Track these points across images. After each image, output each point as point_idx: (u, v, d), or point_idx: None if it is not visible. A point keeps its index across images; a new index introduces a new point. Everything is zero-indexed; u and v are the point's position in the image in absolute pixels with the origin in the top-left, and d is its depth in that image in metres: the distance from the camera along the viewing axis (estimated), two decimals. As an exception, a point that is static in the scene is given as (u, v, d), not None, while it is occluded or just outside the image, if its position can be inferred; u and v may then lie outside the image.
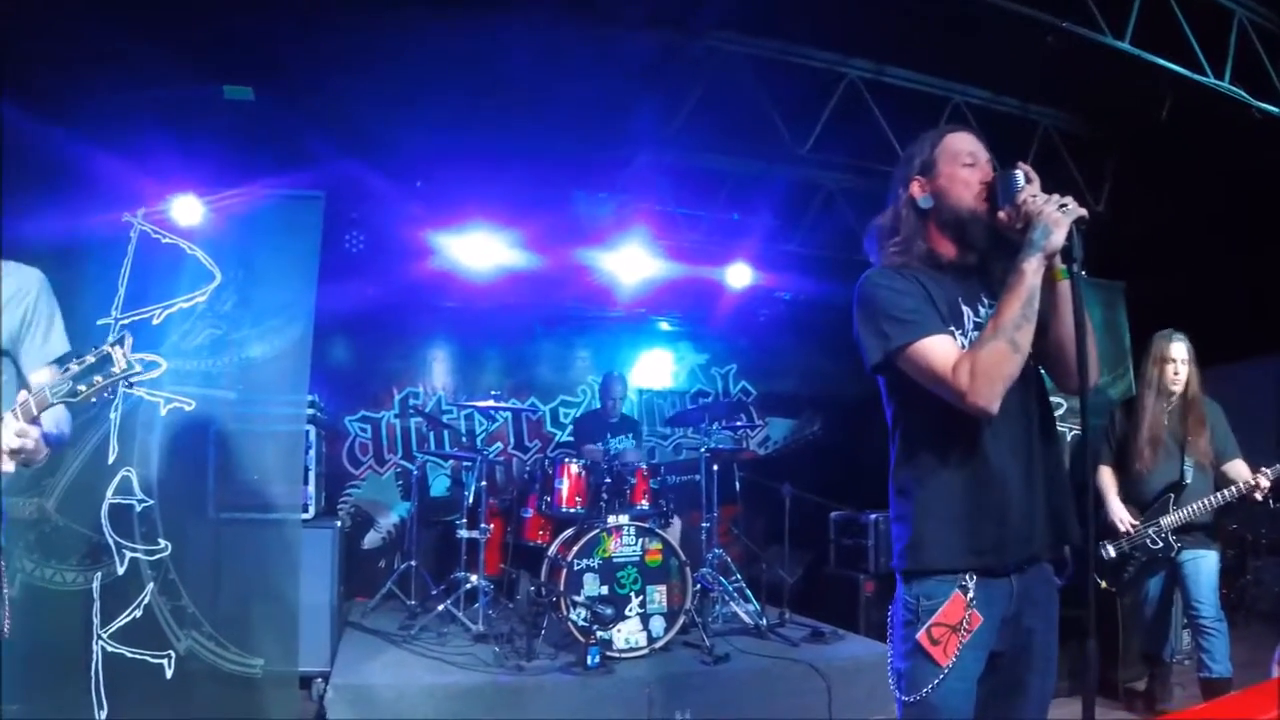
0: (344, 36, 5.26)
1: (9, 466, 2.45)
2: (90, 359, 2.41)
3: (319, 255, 4.93)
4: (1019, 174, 2.31)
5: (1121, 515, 4.97)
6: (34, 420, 2.45)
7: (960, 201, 2.40)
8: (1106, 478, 5.12)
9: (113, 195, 4.69)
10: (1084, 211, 2.22)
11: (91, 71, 4.83)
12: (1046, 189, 2.26)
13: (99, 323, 4.53)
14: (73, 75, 4.77)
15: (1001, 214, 2.31)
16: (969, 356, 2.21)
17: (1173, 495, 4.88)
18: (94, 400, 2.45)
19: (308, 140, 5.73)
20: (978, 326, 2.39)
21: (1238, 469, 4.86)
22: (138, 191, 4.72)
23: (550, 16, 5.33)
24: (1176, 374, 4.95)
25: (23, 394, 2.49)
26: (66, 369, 2.43)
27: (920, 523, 2.35)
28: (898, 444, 2.45)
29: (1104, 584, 5.04)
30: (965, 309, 2.41)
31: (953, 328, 2.35)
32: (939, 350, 2.26)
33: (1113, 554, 4.99)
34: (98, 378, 2.40)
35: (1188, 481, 4.88)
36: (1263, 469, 4.63)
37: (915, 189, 2.48)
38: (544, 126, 6.24)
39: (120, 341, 2.43)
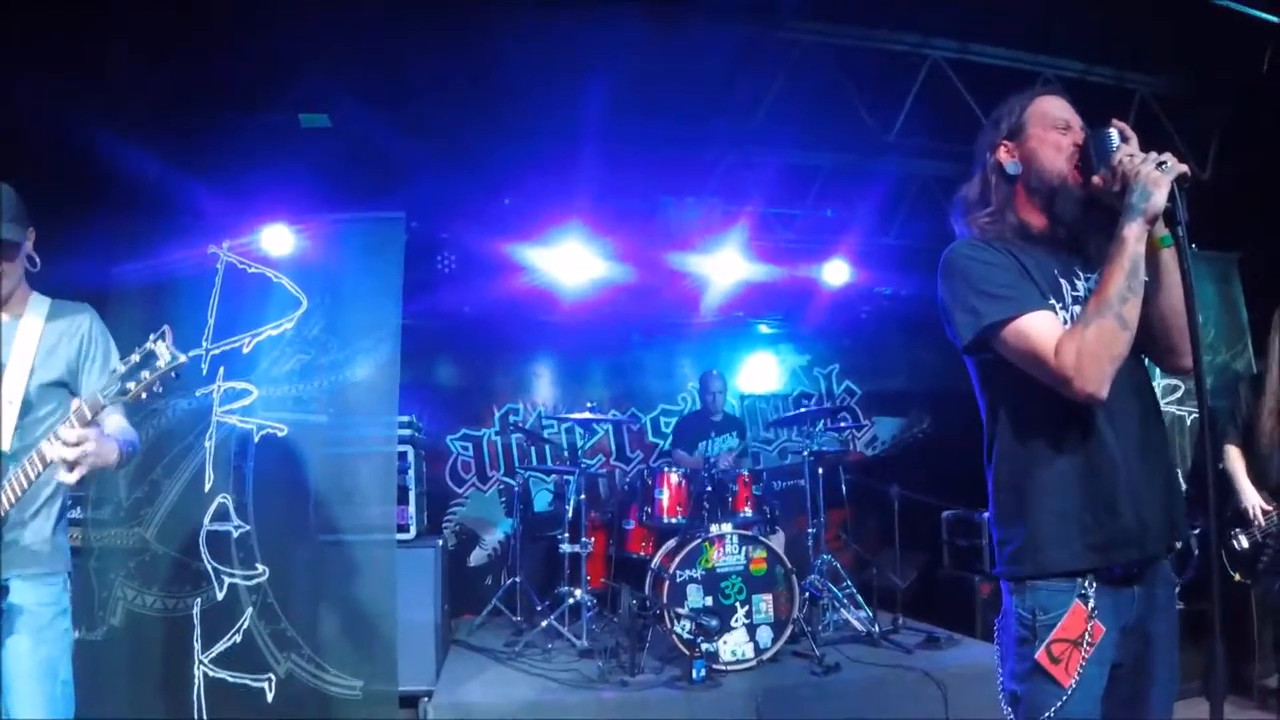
0: (421, 55, 5.27)
1: (71, 477, 2.52)
2: (135, 358, 2.48)
3: (402, 276, 4.94)
4: (1113, 132, 2.13)
5: (1254, 501, 4.64)
6: (90, 424, 2.53)
7: (1050, 166, 2.24)
8: (1235, 458, 4.79)
9: (198, 228, 4.82)
10: (1185, 168, 2.02)
11: (174, 106, 4.93)
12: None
13: (190, 353, 4.59)
14: (156, 110, 4.87)
15: (1096, 178, 2.12)
16: (1073, 336, 2.03)
17: None
18: (144, 397, 2.52)
19: (391, 163, 5.78)
20: (1077, 300, 2.21)
21: None
22: (222, 223, 4.84)
23: (626, 21, 5.27)
24: None
25: (75, 401, 2.57)
26: (113, 372, 2.50)
27: (1034, 520, 2.15)
28: (1000, 433, 2.25)
29: (1237, 576, 4.70)
30: (1063, 282, 2.23)
31: (1053, 301, 2.17)
32: (1039, 329, 2.08)
33: (1245, 544, 4.64)
34: (145, 373, 2.47)
35: None
36: None
37: (1002, 154, 2.32)
38: (626, 133, 6.17)
39: (162, 336, 2.48)
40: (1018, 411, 2.22)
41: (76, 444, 2.48)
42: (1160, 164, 2.02)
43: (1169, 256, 2.10)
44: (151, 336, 2.48)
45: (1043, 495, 2.15)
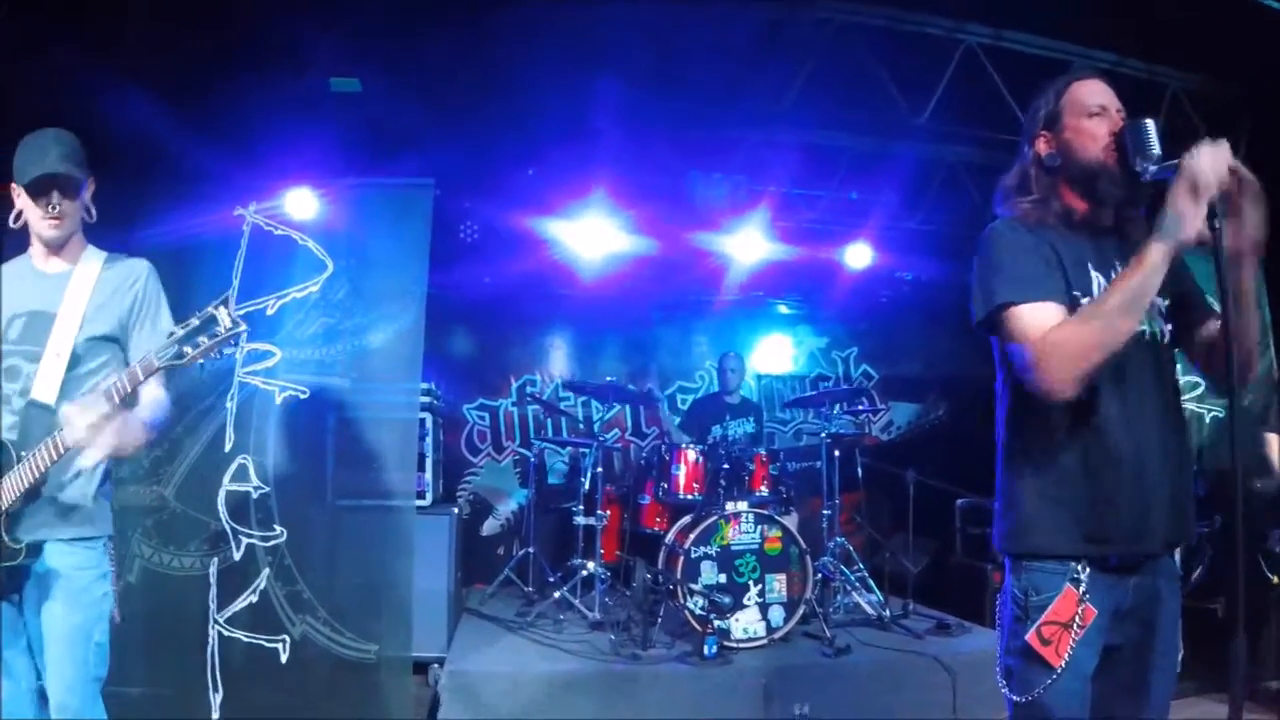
0: (453, 24, 5.25)
1: (87, 460, 2.53)
2: (195, 321, 2.46)
3: (429, 242, 4.94)
4: (1150, 124, 2.12)
5: None
6: (131, 393, 2.52)
7: (1087, 155, 2.23)
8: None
9: (226, 190, 4.79)
10: (1218, 186, 1.95)
11: (205, 67, 4.92)
12: (1176, 155, 2.03)
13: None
14: (186, 71, 4.85)
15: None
16: (1059, 330, 2.05)
17: None
18: (201, 362, 2.49)
19: (419, 130, 5.75)
20: None
21: None
22: (250, 185, 4.82)
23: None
24: None
25: (133, 365, 2.56)
26: (171, 334, 2.47)
27: (1029, 502, 2.20)
28: (1007, 412, 2.29)
29: (1276, 579, 4.47)
30: (1095, 274, 2.23)
31: (1078, 292, 2.18)
32: (1036, 317, 2.10)
33: None
34: (203, 339, 2.45)
35: None
36: None
37: (1041, 145, 2.32)
38: (655, 108, 6.14)
39: (224, 302, 2.46)
40: (1029, 396, 2.20)
41: (88, 426, 2.45)
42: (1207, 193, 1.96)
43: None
44: (214, 302, 2.45)
45: (1043, 480, 2.19)
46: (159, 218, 4.55)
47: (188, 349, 2.44)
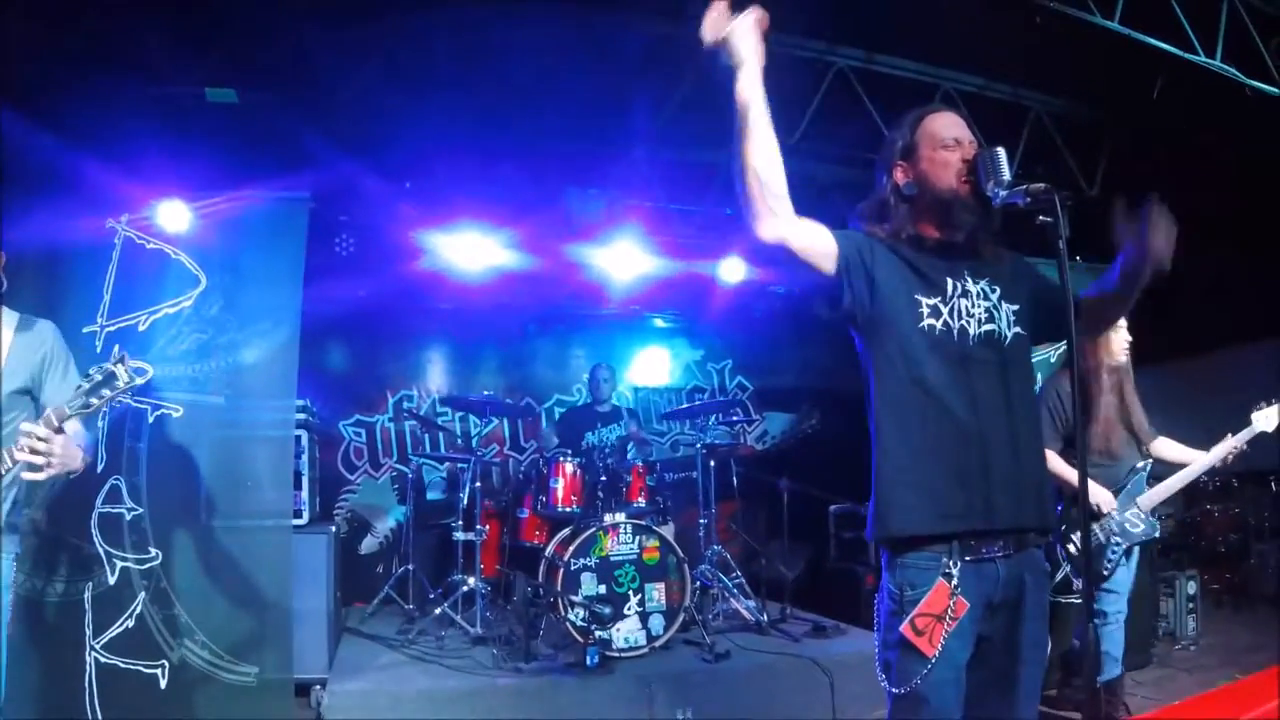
0: (332, 36, 5.20)
1: (39, 475, 2.86)
2: (97, 377, 2.84)
3: (305, 258, 4.88)
4: (1001, 151, 2.29)
5: (1103, 496, 4.34)
6: (58, 431, 2.83)
7: (941, 184, 2.39)
8: (1061, 463, 4.35)
9: (96, 201, 4.64)
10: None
11: (75, 74, 4.77)
12: (1039, 175, 2.23)
13: (85, 330, 4.49)
14: (55, 77, 4.70)
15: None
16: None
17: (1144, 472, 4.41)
18: (105, 410, 3.00)
19: (295, 142, 5.67)
20: (965, 294, 2.39)
21: (1166, 446, 4.54)
22: (121, 197, 4.68)
23: (539, 12, 5.29)
24: (1128, 340, 4.44)
25: (47, 411, 2.89)
26: (78, 387, 2.85)
27: (887, 486, 2.33)
28: (872, 408, 2.42)
29: (1077, 585, 4.36)
30: (949, 279, 2.40)
31: (937, 300, 2.36)
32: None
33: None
34: (105, 391, 2.84)
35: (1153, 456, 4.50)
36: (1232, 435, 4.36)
37: (899, 175, 2.48)
38: (533, 123, 6.18)
39: (121, 360, 2.86)
40: (883, 388, 2.38)
41: (44, 441, 2.78)
42: None
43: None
44: (112, 358, 2.85)
45: (897, 466, 2.33)
46: (27, 225, 4.38)
47: (93, 400, 2.82)
